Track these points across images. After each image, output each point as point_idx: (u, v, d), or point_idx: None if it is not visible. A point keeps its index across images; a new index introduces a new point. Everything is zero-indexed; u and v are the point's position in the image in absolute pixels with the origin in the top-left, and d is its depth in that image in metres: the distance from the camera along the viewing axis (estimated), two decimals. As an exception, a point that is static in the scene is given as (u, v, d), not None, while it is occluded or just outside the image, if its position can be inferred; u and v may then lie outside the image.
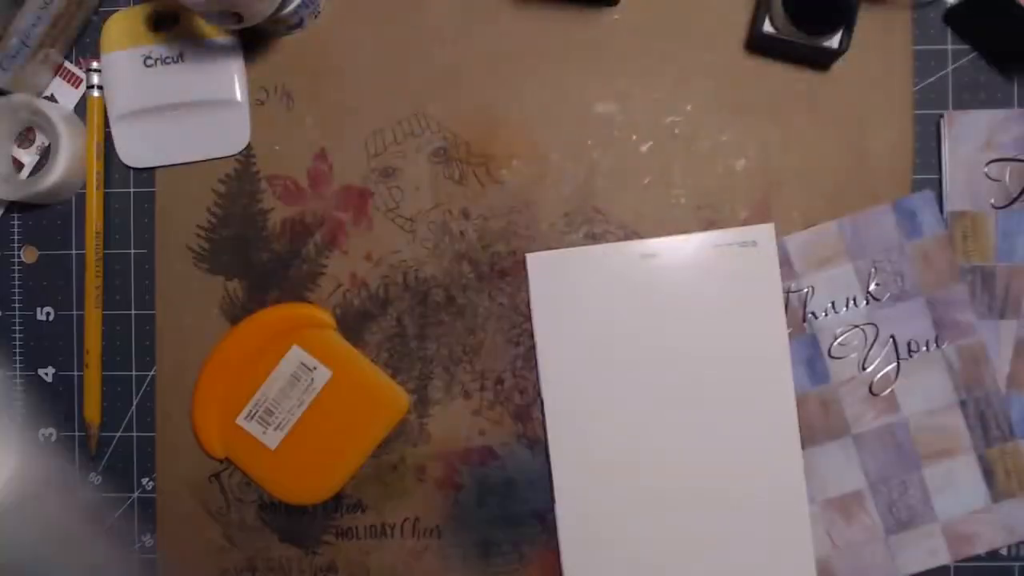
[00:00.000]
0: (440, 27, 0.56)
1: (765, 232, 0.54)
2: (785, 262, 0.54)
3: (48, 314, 0.58)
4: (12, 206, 0.58)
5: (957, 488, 0.53)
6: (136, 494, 0.57)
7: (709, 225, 0.55)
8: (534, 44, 0.56)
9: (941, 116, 0.54)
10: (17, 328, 0.58)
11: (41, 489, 0.51)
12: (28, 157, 0.58)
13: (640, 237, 0.55)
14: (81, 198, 0.58)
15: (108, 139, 0.57)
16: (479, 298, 0.56)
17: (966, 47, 0.55)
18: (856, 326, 0.54)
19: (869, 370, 0.54)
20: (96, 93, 0.56)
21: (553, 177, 0.56)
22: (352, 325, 0.56)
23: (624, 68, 0.55)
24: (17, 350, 0.58)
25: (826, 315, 0.54)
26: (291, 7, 0.53)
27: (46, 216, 0.58)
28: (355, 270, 0.56)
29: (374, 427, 0.55)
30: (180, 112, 0.57)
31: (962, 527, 0.53)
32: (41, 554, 0.49)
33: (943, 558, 0.53)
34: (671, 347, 0.54)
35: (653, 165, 0.55)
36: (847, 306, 0.54)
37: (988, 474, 0.53)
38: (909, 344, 0.54)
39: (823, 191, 0.55)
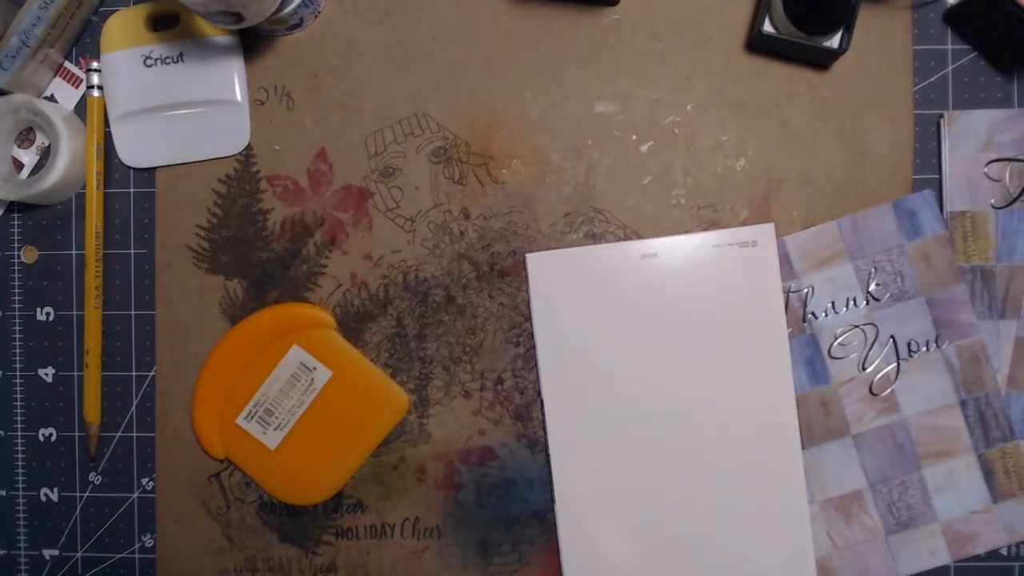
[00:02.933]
0: (440, 27, 0.56)
1: (765, 232, 0.54)
2: (785, 262, 0.54)
3: (48, 314, 0.58)
4: (12, 206, 0.58)
5: (957, 488, 0.53)
6: (136, 494, 0.57)
7: (709, 225, 0.55)
8: (534, 44, 0.56)
9: (941, 116, 0.54)
10: (17, 328, 0.58)
11: None
12: (28, 157, 0.58)
13: (640, 237, 0.55)
14: (81, 198, 0.58)
15: (108, 139, 0.57)
16: (479, 298, 0.56)
17: (966, 47, 0.55)
18: (856, 326, 0.54)
19: (869, 370, 0.54)
20: (96, 93, 0.56)
21: (553, 177, 0.56)
22: (352, 325, 0.56)
23: (624, 68, 0.55)
24: (17, 350, 0.58)
25: (826, 315, 0.54)
26: (291, 7, 0.53)
27: (46, 216, 0.58)
28: (355, 270, 0.56)
29: (374, 427, 0.55)
30: (180, 112, 0.57)
31: (962, 527, 0.53)
32: None
33: (943, 558, 0.53)
34: (671, 347, 0.54)
35: (653, 165, 0.55)
36: (847, 306, 0.54)
37: (988, 474, 0.53)
38: (909, 344, 0.54)
39: (823, 191, 0.55)
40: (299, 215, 0.56)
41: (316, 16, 0.56)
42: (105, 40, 0.57)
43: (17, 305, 0.58)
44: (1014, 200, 0.54)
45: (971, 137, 0.54)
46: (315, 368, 0.55)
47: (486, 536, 0.55)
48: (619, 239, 0.55)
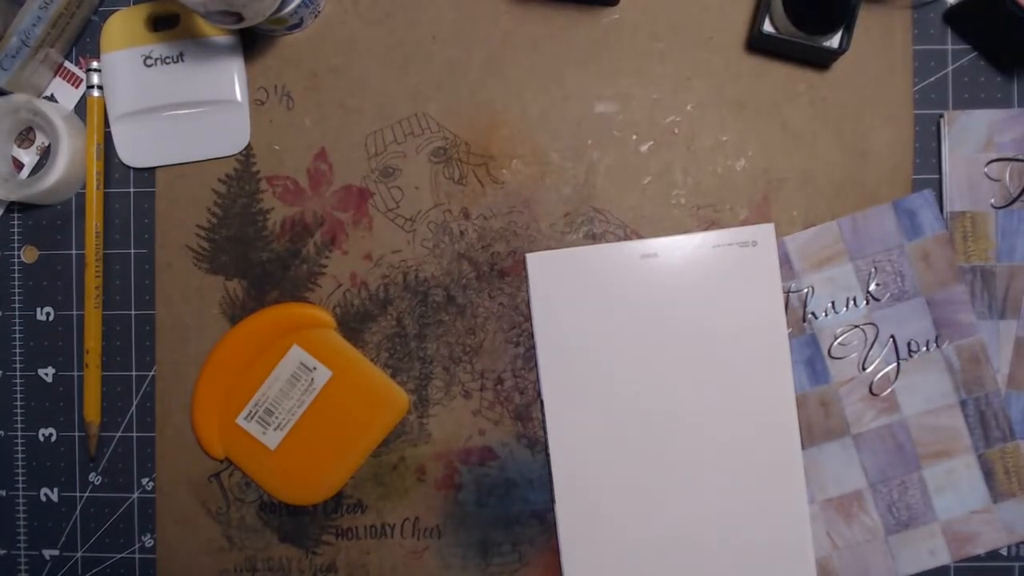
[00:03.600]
0: (440, 27, 0.56)
1: (765, 232, 0.54)
2: (785, 262, 0.54)
3: (48, 314, 0.58)
4: (12, 206, 0.58)
5: (957, 488, 0.53)
6: (136, 494, 0.57)
7: (709, 225, 0.55)
8: (534, 44, 0.56)
9: (941, 116, 0.54)
10: (17, 328, 0.58)
11: None
12: (28, 157, 0.58)
13: (640, 237, 0.55)
14: (81, 198, 0.58)
15: (108, 139, 0.57)
16: (479, 298, 0.56)
17: (966, 47, 0.55)
18: (856, 326, 0.54)
19: (869, 370, 0.54)
20: (96, 93, 0.56)
21: (553, 177, 0.56)
22: (352, 325, 0.56)
23: (624, 68, 0.55)
24: (17, 350, 0.58)
25: (826, 315, 0.54)
26: (291, 7, 0.53)
27: (46, 216, 0.58)
28: (355, 270, 0.56)
29: (374, 427, 0.55)
30: (180, 112, 0.57)
31: (962, 527, 0.53)
32: None
33: (943, 558, 0.53)
34: (671, 347, 0.54)
35: (653, 165, 0.55)
36: (847, 306, 0.54)
37: (988, 474, 0.53)
38: (909, 344, 0.54)
39: (823, 191, 0.55)
40: (299, 215, 0.56)
41: (316, 16, 0.56)
42: (105, 40, 0.57)
43: (17, 305, 0.58)
44: (1014, 200, 0.54)
45: (971, 137, 0.54)
46: (315, 368, 0.55)
47: (486, 536, 0.55)
48: (619, 239, 0.55)
